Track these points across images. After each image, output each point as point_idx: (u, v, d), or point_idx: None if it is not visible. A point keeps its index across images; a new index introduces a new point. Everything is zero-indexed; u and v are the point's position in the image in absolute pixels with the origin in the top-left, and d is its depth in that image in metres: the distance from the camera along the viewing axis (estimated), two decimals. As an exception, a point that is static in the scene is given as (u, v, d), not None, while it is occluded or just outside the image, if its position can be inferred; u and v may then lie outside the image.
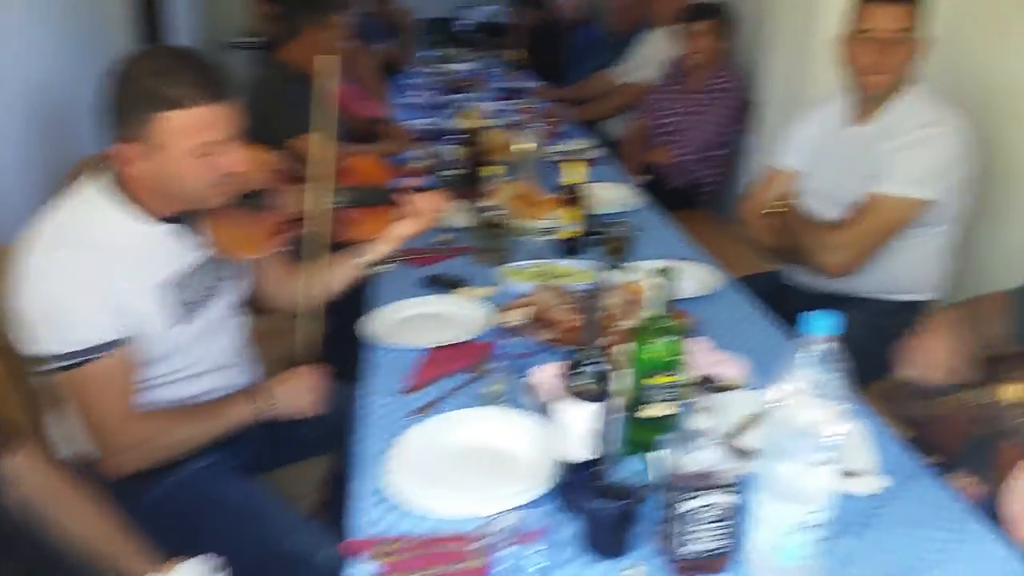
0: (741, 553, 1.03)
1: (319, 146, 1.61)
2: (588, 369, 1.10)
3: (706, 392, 1.00)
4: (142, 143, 1.35)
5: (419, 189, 1.79)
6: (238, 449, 1.58)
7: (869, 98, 2.00)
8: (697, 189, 3.43)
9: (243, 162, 1.44)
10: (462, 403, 1.40)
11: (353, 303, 1.83)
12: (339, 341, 1.70)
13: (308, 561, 1.34)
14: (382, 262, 1.76)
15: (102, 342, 1.35)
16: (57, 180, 2.16)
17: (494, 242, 2.04)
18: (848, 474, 1.15)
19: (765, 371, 1.49)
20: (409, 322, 1.74)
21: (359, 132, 3.25)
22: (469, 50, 6.18)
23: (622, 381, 1.19)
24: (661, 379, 1.17)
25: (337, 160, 1.78)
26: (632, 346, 1.19)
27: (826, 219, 2.05)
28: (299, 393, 1.54)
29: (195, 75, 1.35)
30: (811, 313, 0.96)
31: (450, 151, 2.91)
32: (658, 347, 1.17)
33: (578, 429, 1.11)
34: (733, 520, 1.01)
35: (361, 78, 3.78)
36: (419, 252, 2.05)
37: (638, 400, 1.18)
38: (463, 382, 1.48)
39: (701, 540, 1.01)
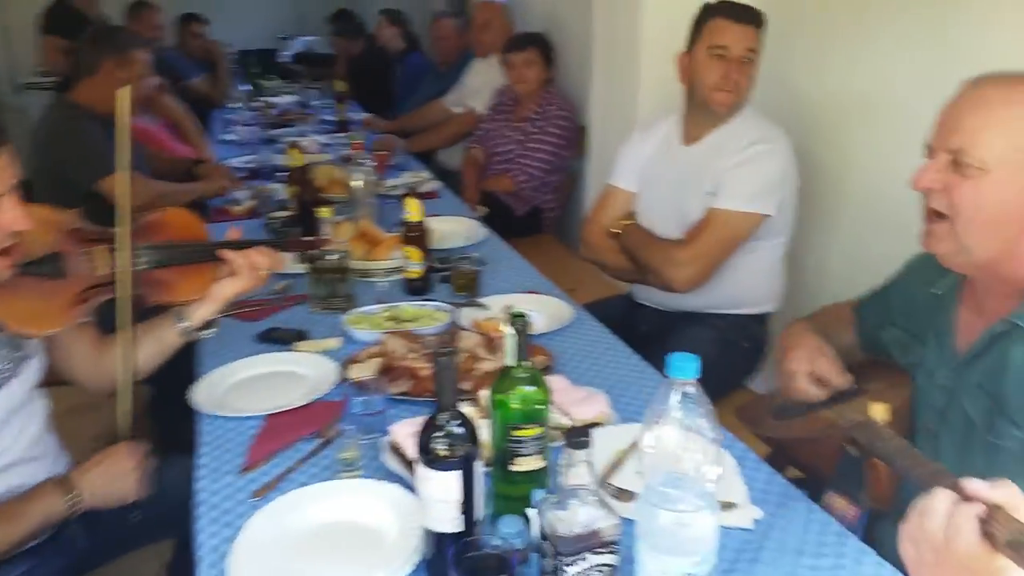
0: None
1: (122, 194, 1.41)
2: (447, 432, 1.00)
3: (577, 445, 0.92)
4: None
5: (244, 243, 1.62)
6: (58, 548, 1.36)
7: (706, 117, 2.05)
8: (539, 215, 3.43)
9: (23, 220, 1.24)
10: (312, 476, 1.26)
11: (182, 366, 1.64)
12: (169, 410, 1.51)
13: None
14: (205, 326, 1.58)
15: None
16: None
17: (334, 288, 1.90)
18: (723, 507, 1.12)
19: (626, 402, 1.46)
20: (244, 386, 1.57)
21: (177, 174, 3.00)
22: (291, 82, 5.97)
23: (487, 436, 1.10)
24: (528, 431, 1.09)
25: (149, 214, 1.60)
26: (494, 398, 1.10)
27: (668, 237, 2.07)
28: (117, 476, 1.34)
29: None
30: (675, 356, 0.91)
31: (279, 190, 2.74)
32: (521, 397, 1.09)
33: (442, 498, 1.01)
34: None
35: (173, 117, 3.51)
36: (250, 305, 1.87)
37: (506, 455, 1.09)
38: (310, 451, 1.33)
39: (588, 606, 0.93)
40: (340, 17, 5.77)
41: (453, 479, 1.00)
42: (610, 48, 2.99)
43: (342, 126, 4.21)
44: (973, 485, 0.74)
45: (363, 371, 1.51)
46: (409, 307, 1.86)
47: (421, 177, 3.16)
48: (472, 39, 4.16)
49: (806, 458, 1.36)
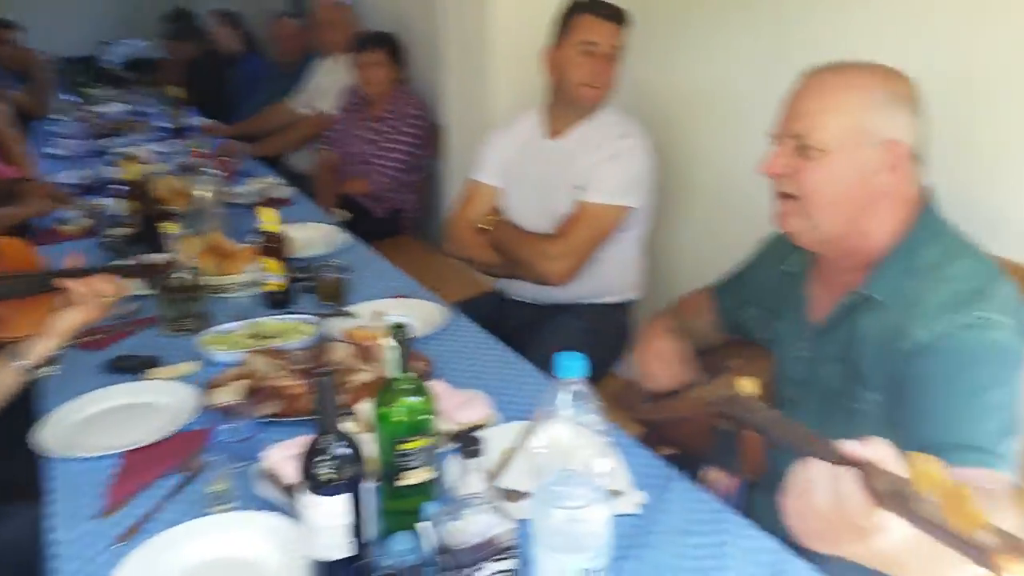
0: (529, 617, 0.95)
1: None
2: (332, 455, 0.95)
3: (471, 455, 0.90)
4: None
5: (84, 271, 1.49)
6: None
7: (572, 111, 2.07)
8: (398, 216, 3.37)
9: None
10: (181, 513, 1.17)
11: (19, 406, 1.48)
12: (12, 455, 1.36)
13: None
14: (46, 363, 1.44)
15: None
16: None
17: (185, 308, 1.78)
18: (614, 493, 1.14)
19: (507, 401, 1.46)
20: (95, 422, 1.44)
21: (6, 196, 2.72)
22: (119, 89, 5.60)
23: (371, 451, 1.05)
24: (415, 443, 1.05)
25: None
26: (377, 412, 1.06)
27: (537, 231, 2.08)
28: None
29: None
30: (561, 355, 0.91)
31: (115, 205, 2.55)
32: (406, 409, 1.06)
33: (331, 524, 0.96)
34: (518, 582, 0.93)
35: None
36: (94, 332, 1.72)
37: (393, 469, 1.06)
38: (176, 487, 1.24)
39: (490, 615, 0.91)
40: (176, 17, 5.45)
41: (341, 503, 0.95)
42: (461, 46, 2.97)
43: (179, 133, 3.98)
44: (847, 446, 0.77)
45: (227, 395, 1.42)
46: (271, 322, 1.77)
47: (271, 183, 3.04)
48: (316, 39, 4.04)
49: (679, 437, 1.40)
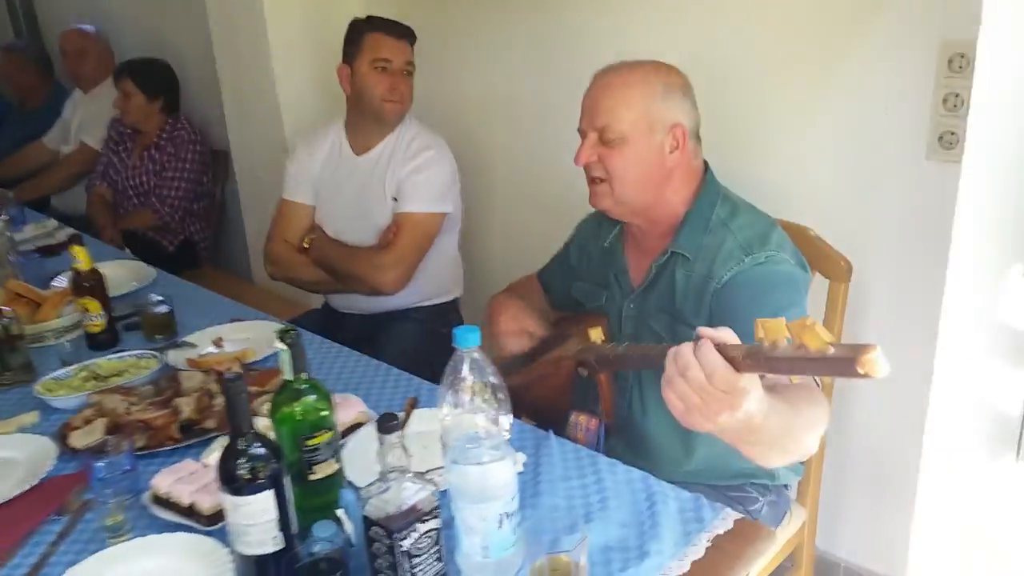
0: (457, 564, 1.07)
1: None
2: (250, 455, 1.01)
3: (389, 430, 1.00)
4: None
5: None
6: None
7: (375, 127, 2.17)
8: (193, 247, 3.26)
9: None
10: (79, 553, 1.15)
11: None
12: None
13: None
14: None
15: None
16: None
17: (5, 360, 1.68)
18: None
19: (375, 399, 1.55)
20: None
21: None
22: None
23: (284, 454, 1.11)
24: (320, 437, 1.13)
25: None
26: (278, 415, 1.12)
27: (360, 244, 2.16)
28: None
29: None
30: (459, 328, 1.04)
31: None
32: (306, 408, 1.12)
33: (258, 521, 1.01)
34: (441, 543, 1.04)
35: None
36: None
37: (303, 466, 1.12)
38: (62, 530, 1.20)
39: (425, 570, 1.01)
40: None
41: (265, 500, 1.01)
42: (236, 70, 2.94)
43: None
44: (702, 330, 0.93)
45: (88, 437, 1.38)
46: (105, 362, 1.71)
47: (49, 227, 2.83)
48: (66, 71, 3.78)
49: (539, 400, 1.56)
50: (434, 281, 2.25)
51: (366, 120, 2.17)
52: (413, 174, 2.13)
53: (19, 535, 1.19)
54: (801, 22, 1.76)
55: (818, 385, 1.21)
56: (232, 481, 1.00)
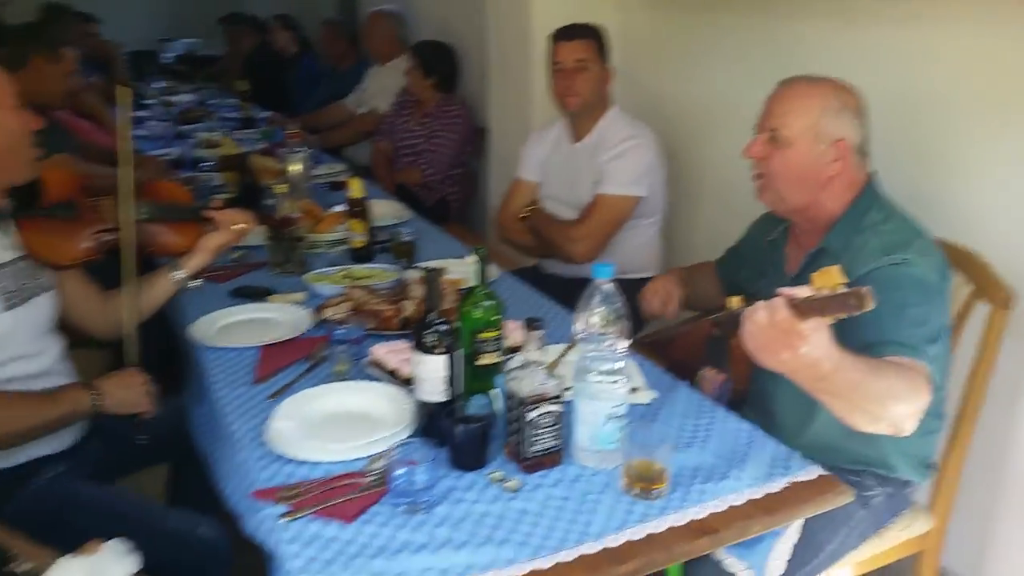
0: (569, 448, 1.36)
1: (125, 160, 1.71)
2: (436, 328, 1.37)
3: (535, 327, 1.32)
4: None
5: (225, 206, 1.93)
6: (80, 457, 1.64)
7: (576, 118, 2.51)
8: (446, 205, 3.80)
9: (36, 120, 1.55)
10: (312, 383, 1.60)
11: (154, 324, 1.91)
12: (152, 359, 1.78)
13: (193, 534, 1.46)
14: (194, 276, 1.87)
15: None
16: None
17: (289, 254, 2.22)
18: (631, 390, 1.54)
19: (548, 333, 1.87)
20: (232, 328, 1.87)
21: (103, 163, 3.18)
22: (181, 82, 6.08)
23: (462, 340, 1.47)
24: (489, 334, 1.47)
25: (144, 181, 1.88)
26: (462, 310, 1.48)
27: (566, 218, 2.52)
28: (131, 388, 1.62)
29: None
30: (596, 264, 1.34)
31: (214, 177, 2.99)
32: (483, 308, 1.47)
33: (433, 376, 1.38)
34: (561, 424, 1.34)
35: (96, 112, 3.67)
36: (218, 269, 2.16)
37: (474, 352, 1.47)
38: (307, 368, 1.66)
39: (541, 441, 1.32)
40: (235, 17, 5.94)
41: (441, 362, 1.37)
42: (503, 57, 3.40)
43: (247, 123, 4.44)
44: (780, 290, 1.15)
45: (337, 312, 1.85)
46: (360, 268, 2.20)
47: (337, 169, 3.48)
48: (366, 46, 4.49)
49: (676, 356, 1.81)
50: (630, 258, 2.53)
51: (566, 116, 2.53)
52: (613, 159, 2.44)
53: (281, 364, 1.68)
54: (1001, 66, 1.82)
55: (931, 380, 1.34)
56: (421, 342, 1.37)
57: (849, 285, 1.04)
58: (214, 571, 1.52)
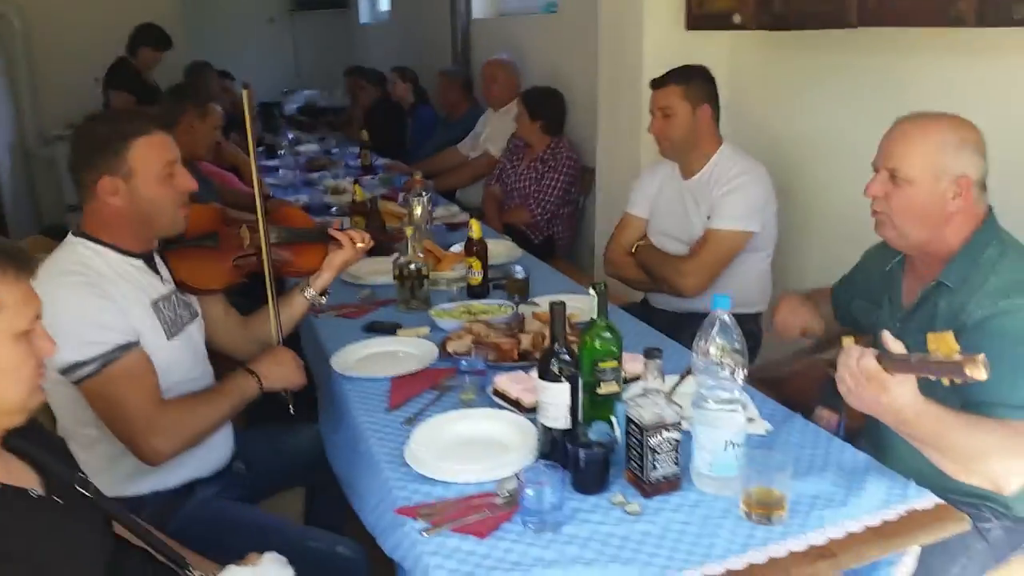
0: (688, 475, 1.42)
1: (257, 181, 1.92)
2: (560, 358, 1.47)
3: (653, 356, 1.40)
4: (118, 173, 1.62)
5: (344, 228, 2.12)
6: (232, 480, 1.81)
7: (683, 156, 2.60)
8: (553, 243, 3.93)
9: (192, 182, 1.72)
10: (441, 410, 1.71)
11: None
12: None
13: (333, 552, 1.59)
14: (323, 293, 2.03)
15: (117, 345, 1.56)
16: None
17: (414, 292, 2.37)
18: (748, 420, 1.59)
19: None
20: (367, 360, 2.02)
21: (243, 208, 3.46)
22: (305, 132, 6.48)
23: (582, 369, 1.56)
24: (608, 364, 1.55)
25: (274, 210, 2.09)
26: (583, 340, 1.57)
27: (677, 253, 2.57)
28: (283, 363, 1.80)
29: (149, 116, 1.72)
30: (715, 295, 1.40)
31: (343, 221, 3.21)
32: (603, 340, 1.56)
33: (557, 403, 1.47)
34: (679, 451, 1.40)
35: (236, 161, 4.00)
36: (351, 306, 2.34)
37: (594, 382, 1.56)
38: (435, 397, 1.79)
39: (662, 467, 1.39)
40: (358, 71, 6.32)
41: (565, 389, 1.46)
42: (614, 101, 3.50)
43: (367, 170, 4.71)
44: (883, 334, 1.27)
45: (460, 346, 1.97)
46: (478, 304, 2.33)
47: (453, 211, 3.65)
48: (482, 92, 4.71)
49: (791, 392, 1.83)
50: (740, 292, 2.55)
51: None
52: (727, 194, 2.48)
53: (411, 393, 1.81)
54: None
55: None
56: (546, 371, 1.47)
57: (964, 339, 1.11)
58: (352, 588, 1.65)
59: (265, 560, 1.29)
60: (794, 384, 1.83)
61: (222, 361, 1.94)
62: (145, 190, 1.65)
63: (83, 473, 1.21)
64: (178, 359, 1.74)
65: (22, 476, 1.12)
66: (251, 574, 1.26)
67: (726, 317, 1.40)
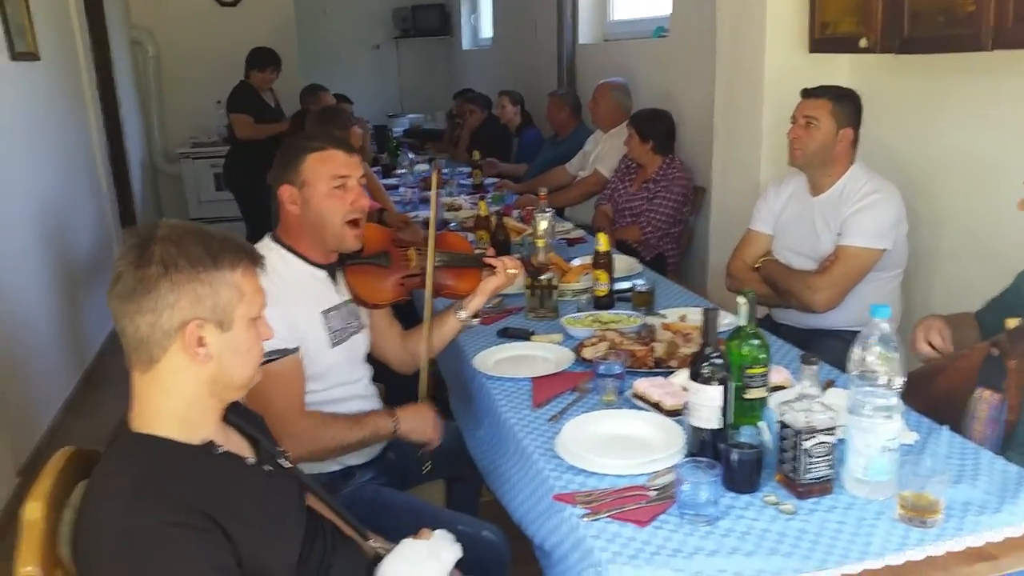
0: (840, 477, 1.45)
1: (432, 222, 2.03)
2: (711, 361, 1.52)
3: (809, 362, 1.44)
4: (295, 183, 1.79)
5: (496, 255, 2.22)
6: (385, 466, 1.93)
7: (814, 172, 2.61)
8: (663, 261, 3.96)
9: (367, 201, 1.85)
10: (582, 410, 1.79)
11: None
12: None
13: (479, 537, 1.69)
14: (474, 315, 2.14)
15: (280, 347, 1.69)
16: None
17: (544, 301, 2.46)
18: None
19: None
20: (503, 362, 2.11)
21: (380, 222, 3.64)
22: (416, 153, 6.71)
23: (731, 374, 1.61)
24: (756, 370, 1.60)
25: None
26: (730, 346, 1.62)
27: (804, 269, 2.59)
28: (422, 418, 1.90)
29: (333, 137, 1.89)
30: (874, 305, 1.43)
31: (465, 236, 3.33)
32: (751, 346, 1.60)
33: (708, 404, 1.52)
34: (833, 455, 1.43)
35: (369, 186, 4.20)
36: (484, 314, 2.44)
37: (742, 387, 1.60)
38: (576, 397, 1.86)
39: (815, 469, 1.42)
40: (465, 93, 6.54)
41: (716, 391, 1.51)
42: (731, 122, 3.53)
43: (478, 188, 4.86)
44: None
45: (596, 351, 2.04)
46: (606, 314, 2.40)
47: (568, 227, 3.74)
48: (593, 115, 4.81)
49: (943, 385, 1.83)
50: (866, 310, 2.55)
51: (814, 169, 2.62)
52: (858, 212, 2.48)
53: (552, 394, 1.89)
54: None
55: None
56: (698, 373, 1.52)
57: None
58: (494, 571, 1.73)
59: (437, 536, 1.39)
60: (952, 375, 1.82)
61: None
62: (314, 201, 1.80)
63: (282, 447, 1.34)
64: (339, 364, 1.88)
65: (239, 446, 1.25)
66: (426, 547, 1.36)
67: (885, 326, 1.43)
